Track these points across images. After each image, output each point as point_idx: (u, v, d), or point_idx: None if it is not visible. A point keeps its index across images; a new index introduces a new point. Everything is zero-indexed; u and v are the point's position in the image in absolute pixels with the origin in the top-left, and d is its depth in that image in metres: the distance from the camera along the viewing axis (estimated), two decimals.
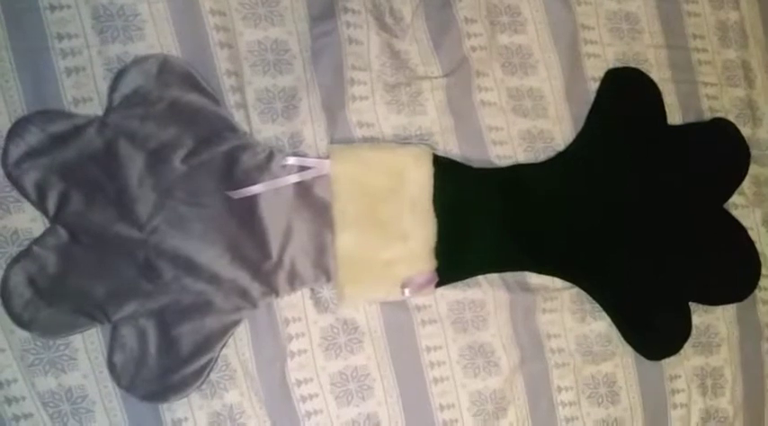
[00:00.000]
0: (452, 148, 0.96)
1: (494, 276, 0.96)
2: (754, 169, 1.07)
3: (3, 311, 0.80)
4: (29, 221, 0.83)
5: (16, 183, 0.82)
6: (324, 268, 0.89)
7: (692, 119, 1.06)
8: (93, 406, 0.83)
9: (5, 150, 0.81)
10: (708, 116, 1.07)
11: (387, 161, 0.90)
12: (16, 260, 0.81)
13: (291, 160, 0.88)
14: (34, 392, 0.82)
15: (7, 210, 0.82)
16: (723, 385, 1.03)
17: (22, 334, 0.81)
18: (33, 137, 0.82)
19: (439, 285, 0.91)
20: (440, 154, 0.93)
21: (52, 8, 0.84)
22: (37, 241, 0.82)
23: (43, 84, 0.84)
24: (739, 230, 1.04)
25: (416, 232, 0.90)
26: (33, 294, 0.80)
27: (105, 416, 0.83)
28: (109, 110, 0.84)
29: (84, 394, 0.83)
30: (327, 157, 0.89)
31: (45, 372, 0.82)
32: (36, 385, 0.82)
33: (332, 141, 0.92)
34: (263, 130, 0.90)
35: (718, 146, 1.05)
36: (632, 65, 1.04)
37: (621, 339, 0.99)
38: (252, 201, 0.87)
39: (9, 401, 0.81)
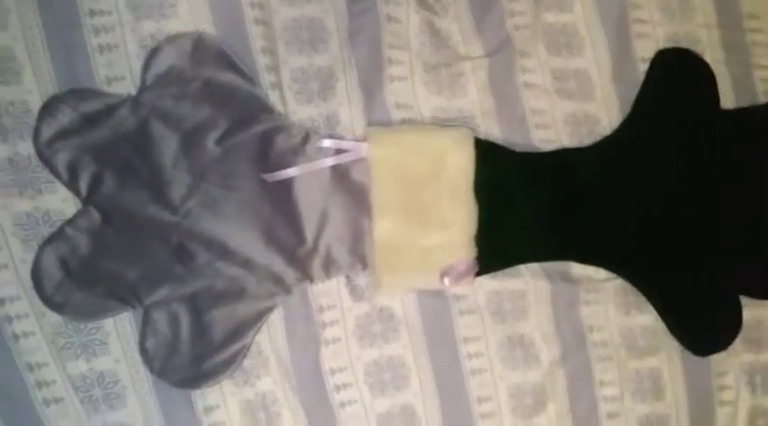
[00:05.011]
0: (494, 131, 0.92)
1: (535, 266, 0.92)
2: None
3: (34, 294, 0.79)
4: (60, 202, 0.81)
5: (48, 163, 0.80)
6: (360, 255, 0.86)
7: (745, 102, 1.00)
8: (125, 391, 0.82)
9: (37, 129, 0.80)
10: (762, 99, 1.01)
11: (426, 144, 0.86)
12: (48, 241, 0.79)
13: (327, 142, 0.85)
14: (65, 376, 0.80)
15: (39, 191, 0.81)
16: None
17: (54, 317, 0.80)
18: (65, 116, 0.80)
19: (478, 274, 0.88)
20: (481, 137, 0.90)
21: None
22: (69, 222, 0.80)
23: (75, 62, 0.82)
24: None
25: (456, 219, 0.86)
26: (65, 276, 0.79)
27: (137, 401, 0.82)
28: (142, 89, 0.82)
29: (116, 378, 0.82)
30: (364, 140, 0.86)
31: (76, 356, 0.81)
32: (67, 369, 0.80)
33: (369, 123, 0.89)
34: (299, 111, 0.87)
35: None
36: (684, 45, 0.99)
37: (668, 333, 0.95)
38: (287, 185, 0.84)
39: (40, 384, 0.80)
